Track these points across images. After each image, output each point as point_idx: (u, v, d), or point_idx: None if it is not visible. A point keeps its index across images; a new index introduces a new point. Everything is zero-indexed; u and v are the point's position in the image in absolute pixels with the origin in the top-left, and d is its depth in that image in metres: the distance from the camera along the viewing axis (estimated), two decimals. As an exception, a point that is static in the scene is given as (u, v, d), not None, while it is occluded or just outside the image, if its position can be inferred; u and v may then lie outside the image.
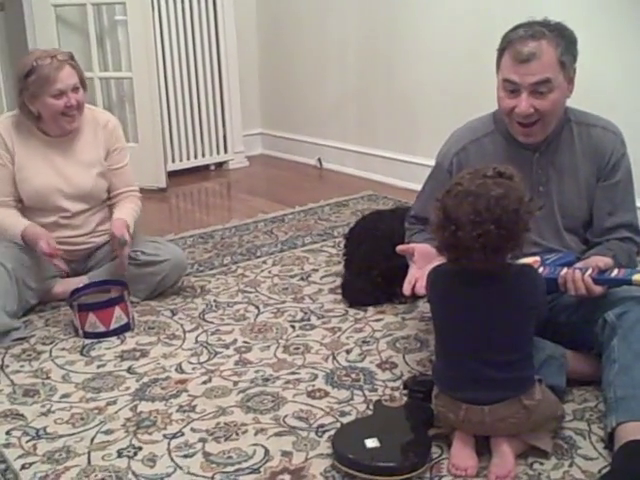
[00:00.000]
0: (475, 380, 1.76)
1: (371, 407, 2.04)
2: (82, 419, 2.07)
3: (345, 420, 2.00)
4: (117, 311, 2.57)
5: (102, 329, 2.55)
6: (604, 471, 1.74)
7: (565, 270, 1.96)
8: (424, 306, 2.67)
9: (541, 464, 1.78)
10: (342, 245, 3.02)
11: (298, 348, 2.43)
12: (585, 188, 2.16)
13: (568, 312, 2.10)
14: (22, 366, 2.38)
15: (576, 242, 2.19)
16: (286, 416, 2.04)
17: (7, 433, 2.02)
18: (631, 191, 2.19)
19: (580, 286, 1.92)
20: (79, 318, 2.56)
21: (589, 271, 1.93)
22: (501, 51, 2.08)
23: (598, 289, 1.93)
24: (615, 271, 1.93)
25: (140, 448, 1.93)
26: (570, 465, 1.78)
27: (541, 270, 1.97)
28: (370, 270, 2.71)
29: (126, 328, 2.60)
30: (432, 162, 2.36)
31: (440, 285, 1.87)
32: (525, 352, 1.79)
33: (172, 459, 1.88)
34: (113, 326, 2.57)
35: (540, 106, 2.03)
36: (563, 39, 2.02)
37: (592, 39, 3.14)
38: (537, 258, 2.03)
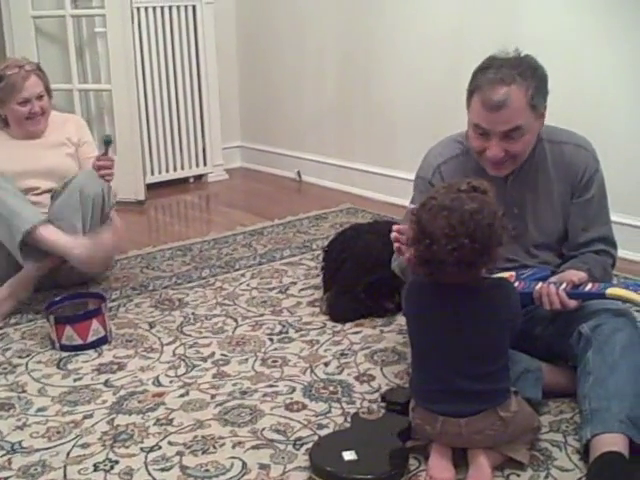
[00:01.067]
0: (451, 392, 1.77)
1: (349, 420, 2.05)
2: (58, 433, 2.06)
3: (323, 433, 2.00)
4: (94, 324, 2.55)
5: (79, 342, 2.54)
6: (579, 483, 1.76)
7: (540, 285, 1.97)
8: (402, 319, 2.68)
9: (517, 476, 1.79)
10: (321, 258, 3.02)
11: (276, 361, 2.43)
12: (560, 207, 2.16)
13: (543, 325, 2.12)
14: (-2, 379, 2.37)
15: (551, 257, 2.20)
16: (264, 429, 2.03)
17: (-18, 447, 2.00)
18: (605, 205, 2.20)
19: (554, 300, 1.94)
20: (56, 331, 2.54)
21: (563, 285, 1.95)
22: (470, 92, 2.04)
23: (572, 303, 1.94)
24: (589, 285, 1.95)
25: (117, 462, 1.92)
26: (546, 476, 1.79)
27: (516, 284, 1.98)
28: (353, 288, 2.71)
29: (103, 341, 2.58)
30: (410, 175, 2.38)
31: (415, 299, 1.88)
32: (500, 364, 1.80)
33: (149, 473, 1.87)
34: (90, 339, 2.55)
35: (511, 149, 2.02)
36: (533, 80, 1.99)
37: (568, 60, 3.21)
38: (512, 273, 2.05)
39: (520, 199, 2.16)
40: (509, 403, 1.79)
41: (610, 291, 1.91)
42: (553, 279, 2.00)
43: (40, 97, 2.98)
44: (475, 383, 1.76)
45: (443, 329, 1.79)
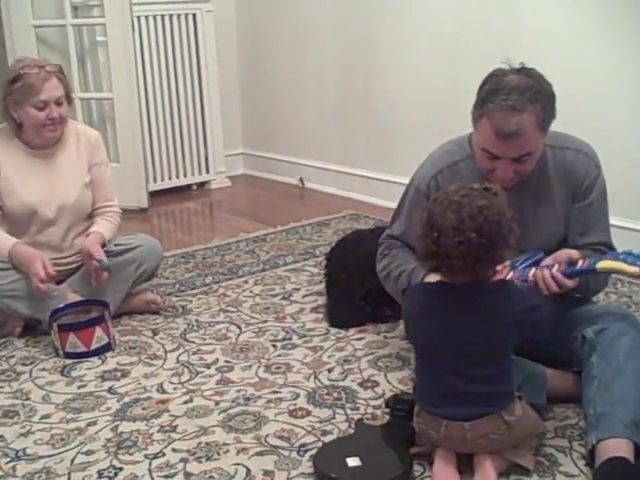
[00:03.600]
0: (454, 395, 1.77)
1: (353, 426, 2.04)
2: (62, 440, 2.06)
3: (327, 439, 2.00)
4: (98, 331, 2.56)
5: (83, 349, 2.54)
6: (585, 488, 1.75)
7: (533, 270, 1.96)
8: (405, 325, 2.68)
9: (522, 481, 1.79)
10: (323, 265, 3.02)
11: (280, 367, 2.42)
12: (561, 212, 2.16)
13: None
14: (1, 387, 2.36)
15: None
16: (268, 435, 2.03)
17: (-14, 455, 2.00)
18: (605, 211, 2.19)
19: (550, 283, 1.92)
20: (60, 338, 2.55)
21: (555, 267, 1.94)
22: (479, 115, 2.00)
23: (569, 283, 1.92)
24: (580, 262, 1.93)
25: (121, 469, 1.91)
26: (551, 482, 1.79)
27: (511, 275, 1.98)
28: (353, 294, 2.71)
29: (107, 348, 2.58)
30: (411, 181, 2.37)
31: (418, 302, 1.89)
32: (504, 366, 1.80)
33: (153, 479, 1.87)
34: (94, 346, 2.55)
35: (521, 169, 2.02)
36: (542, 102, 1.95)
37: (563, 61, 3.21)
38: (506, 262, 2.03)
39: (521, 204, 2.14)
40: (513, 407, 1.79)
41: (600, 265, 1.88)
42: (546, 262, 1.98)
43: (59, 102, 2.67)
44: (479, 385, 1.76)
45: (446, 333, 1.79)
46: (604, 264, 1.87)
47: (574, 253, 1.97)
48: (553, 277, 1.92)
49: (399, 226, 2.32)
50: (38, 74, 2.62)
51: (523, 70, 2.01)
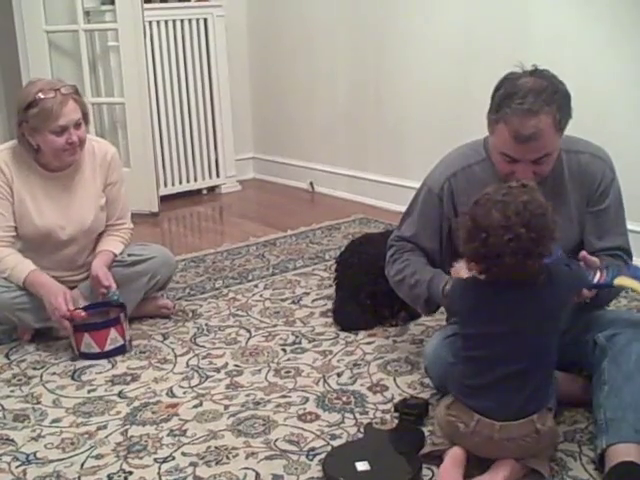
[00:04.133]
0: (496, 391, 1.76)
1: (362, 430, 2.04)
2: (72, 444, 2.06)
3: (336, 443, 2.00)
4: (112, 333, 2.57)
5: (96, 350, 2.55)
6: (595, 493, 1.75)
7: None
8: (415, 329, 2.68)
9: (532, 486, 1.79)
10: (333, 269, 3.02)
11: (289, 371, 2.43)
12: (577, 216, 2.15)
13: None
14: (12, 391, 2.37)
15: None
16: (277, 440, 2.03)
17: (-3, 458, 2.01)
18: (622, 215, 2.18)
19: None
20: (75, 338, 2.56)
21: None
22: (495, 120, 1.99)
23: (587, 293, 1.91)
24: (597, 275, 1.92)
25: (131, 473, 1.92)
26: (561, 487, 1.78)
27: None
28: (358, 293, 2.71)
29: (122, 350, 2.59)
30: (421, 185, 2.37)
31: (471, 296, 1.87)
32: (549, 366, 1.82)
33: (162, 483, 1.88)
34: (108, 347, 2.56)
35: (540, 171, 2.01)
36: (558, 101, 1.95)
37: (580, 58, 3.20)
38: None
39: None
40: (546, 416, 1.80)
41: (618, 281, 1.88)
42: None
43: (78, 125, 2.59)
44: (519, 382, 1.76)
45: (500, 324, 1.78)
46: (622, 281, 1.88)
47: (592, 259, 1.95)
48: None
49: (410, 227, 2.30)
50: (55, 98, 2.52)
51: (536, 72, 2.00)
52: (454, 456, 1.81)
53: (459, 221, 1.85)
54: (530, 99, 1.92)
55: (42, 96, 2.52)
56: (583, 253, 1.94)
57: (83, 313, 2.58)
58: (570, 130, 2.16)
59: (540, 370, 1.80)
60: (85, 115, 2.65)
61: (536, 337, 1.79)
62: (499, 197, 1.75)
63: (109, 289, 2.65)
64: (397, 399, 2.19)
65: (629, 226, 2.24)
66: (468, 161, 2.19)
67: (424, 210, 2.25)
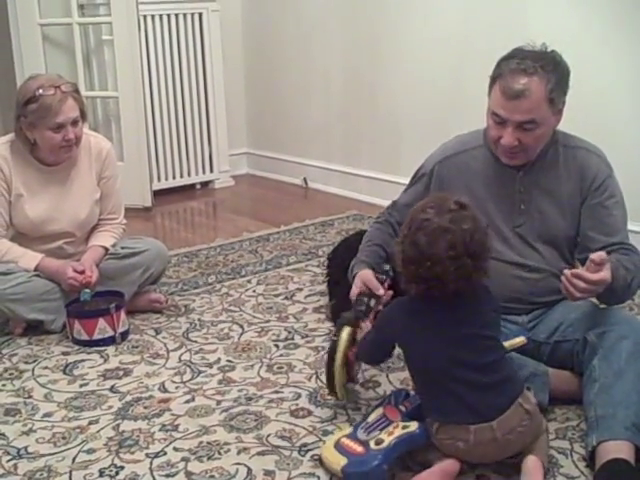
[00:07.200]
0: (472, 394, 1.76)
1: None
2: (64, 438, 2.06)
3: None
4: (101, 323, 2.60)
5: (86, 337, 2.60)
6: (585, 490, 1.75)
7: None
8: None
9: (523, 483, 1.79)
10: (326, 265, 3.02)
11: (282, 367, 2.43)
12: (569, 208, 2.16)
13: (549, 331, 2.12)
14: (4, 385, 2.37)
15: (555, 256, 2.18)
16: (269, 435, 2.03)
17: (-12, 452, 2.01)
18: (620, 212, 2.16)
19: (576, 282, 1.88)
20: (69, 323, 2.62)
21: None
22: (493, 79, 2.07)
23: (594, 277, 1.87)
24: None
25: (122, 467, 1.92)
26: (552, 484, 1.79)
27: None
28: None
29: (111, 341, 2.61)
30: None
31: (404, 318, 1.88)
32: (499, 354, 1.83)
33: (154, 478, 1.87)
34: (96, 337, 2.60)
35: (524, 140, 2.04)
36: (555, 74, 2.01)
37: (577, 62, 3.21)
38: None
39: (527, 195, 2.16)
40: (528, 395, 1.81)
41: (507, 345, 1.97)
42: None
43: (75, 123, 2.62)
44: (487, 374, 1.76)
45: (439, 337, 1.80)
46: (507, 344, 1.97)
47: (601, 254, 1.91)
48: (578, 275, 1.88)
49: (403, 196, 2.39)
50: (54, 95, 2.55)
51: (543, 46, 2.07)
52: (442, 469, 1.78)
53: (395, 243, 1.87)
54: (528, 62, 2.00)
55: (42, 92, 2.55)
56: (592, 256, 1.90)
57: (91, 275, 2.65)
58: (568, 127, 2.19)
59: (498, 358, 1.81)
60: (82, 112, 2.68)
61: (480, 335, 1.81)
62: (445, 224, 1.75)
63: (87, 285, 2.66)
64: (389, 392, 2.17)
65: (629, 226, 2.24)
66: (465, 147, 2.25)
67: (417, 187, 2.33)
